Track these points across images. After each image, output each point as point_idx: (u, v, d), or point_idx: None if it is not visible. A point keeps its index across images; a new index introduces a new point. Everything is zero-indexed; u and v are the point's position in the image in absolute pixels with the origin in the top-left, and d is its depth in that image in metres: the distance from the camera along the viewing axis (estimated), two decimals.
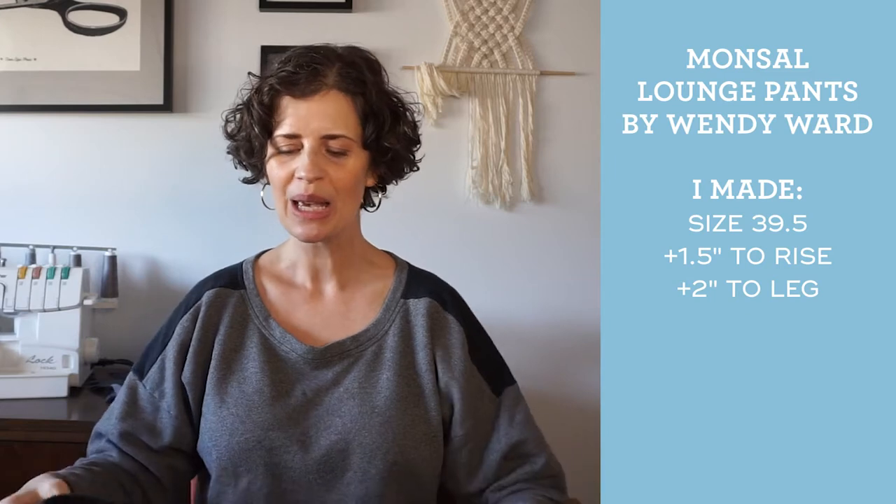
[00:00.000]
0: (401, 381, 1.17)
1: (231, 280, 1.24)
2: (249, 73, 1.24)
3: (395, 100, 1.21)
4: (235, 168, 1.26)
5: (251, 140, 1.19)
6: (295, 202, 1.15)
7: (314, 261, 1.22)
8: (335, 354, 1.18)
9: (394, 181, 1.26)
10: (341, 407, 1.15)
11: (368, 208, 1.26)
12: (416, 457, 1.15)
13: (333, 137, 1.14)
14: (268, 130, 1.16)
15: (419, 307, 1.21)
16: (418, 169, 1.26)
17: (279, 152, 1.16)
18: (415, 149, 1.24)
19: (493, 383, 1.21)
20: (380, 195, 1.27)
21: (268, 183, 1.21)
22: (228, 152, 1.25)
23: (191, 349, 1.20)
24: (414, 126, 1.23)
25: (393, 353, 1.18)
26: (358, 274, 1.24)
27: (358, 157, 1.16)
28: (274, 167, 1.16)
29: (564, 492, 1.22)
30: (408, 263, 1.28)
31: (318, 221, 1.15)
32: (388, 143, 1.18)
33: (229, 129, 1.23)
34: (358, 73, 1.16)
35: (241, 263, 1.27)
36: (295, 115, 1.14)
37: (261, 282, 1.24)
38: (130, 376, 1.23)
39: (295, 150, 1.14)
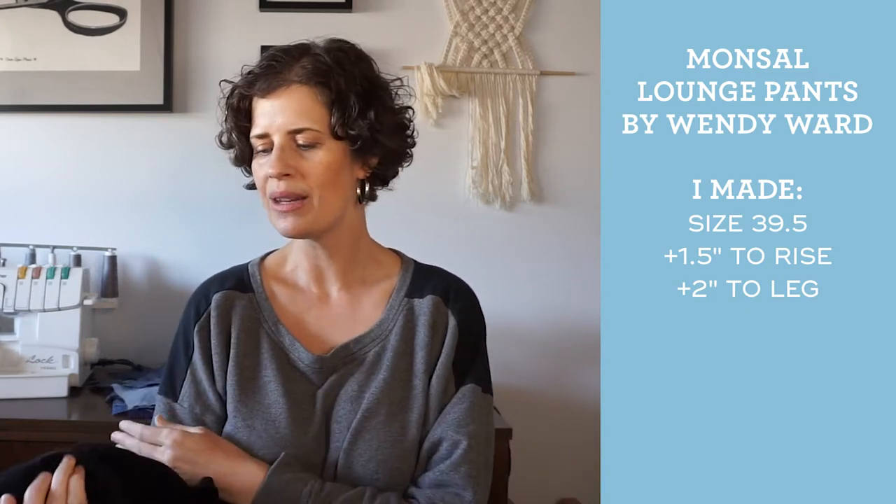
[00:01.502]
0: (395, 383, 1.15)
1: (238, 282, 1.22)
2: (221, 82, 1.21)
3: (369, 85, 1.16)
4: (245, 176, 1.25)
5: (234, 145, 1.20)
6: (274, 199, 1.14)
7: (315, 262, 1.20)
8: (340, 359, 1.17)
9: (394, 170, 1.22)
10: (339, 410, 1.14)
11: (363, 201, 1.22)
12: (397, 468, 1.12)
13: (299, 131, 1.13)
14: (245, 135, 1.17)
15: (423, 306, 1.19)
16: (411, 156, 1.23)
17: (257, 153, 1.16)
18: (407, 133, 1.21)
19: (458, 379, 1.17)
20: (378, 187, 1.22)
21: None
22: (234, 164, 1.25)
23: (213, 355, 1.18)
24: (396, 110, 1.19)
25: (393, 354, 1.16)
26: (364, 274, 1.22)
27: (330, 149, 1.14)
28: (255, 169, 1.17)
29: None
30: (414, 261, 1.26)
31: (294, 214, 1.13)
32: (355, 129, 1.13)
33: (223, 140, 1.23)
34: (320, 65, 1.13)
35: (247, 265, 1.25)
36: (262, 115, 1.15)
37: (269, 285, 1.22)
38: (163, 400, 1.19)
39: (269, 149, 1.14)
